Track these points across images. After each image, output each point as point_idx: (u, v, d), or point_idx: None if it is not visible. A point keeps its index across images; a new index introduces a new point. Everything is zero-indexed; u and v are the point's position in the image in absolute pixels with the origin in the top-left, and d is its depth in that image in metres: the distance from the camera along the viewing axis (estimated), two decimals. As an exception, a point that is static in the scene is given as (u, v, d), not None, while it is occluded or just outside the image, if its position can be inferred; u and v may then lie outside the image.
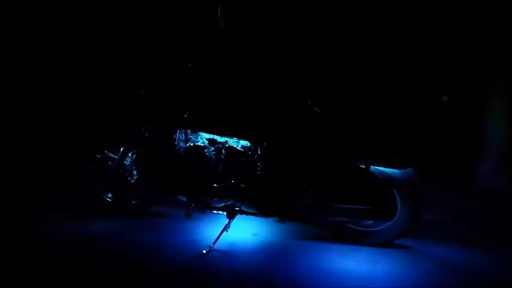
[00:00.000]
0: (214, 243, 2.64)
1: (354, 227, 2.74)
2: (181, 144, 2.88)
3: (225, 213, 2.80)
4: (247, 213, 2.80)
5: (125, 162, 3.05)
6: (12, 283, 2.23)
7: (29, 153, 3.89)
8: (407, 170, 2.58)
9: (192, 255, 2.56)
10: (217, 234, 2.68)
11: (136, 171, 3.08)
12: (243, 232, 2.88)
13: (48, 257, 2.51)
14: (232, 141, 2.79)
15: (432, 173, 2.59)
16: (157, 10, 4.09)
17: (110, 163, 3.08)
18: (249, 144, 2.76)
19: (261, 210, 2.76)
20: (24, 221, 2.99)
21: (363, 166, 2.56)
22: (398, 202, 2.60)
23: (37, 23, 4.08)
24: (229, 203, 2.78)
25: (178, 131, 2.87)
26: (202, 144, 2.82)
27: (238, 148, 2.76)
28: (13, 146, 3.89)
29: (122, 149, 3.03)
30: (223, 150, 2.77)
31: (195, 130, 2.88)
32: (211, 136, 2.82)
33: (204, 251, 2.58)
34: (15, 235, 2.80)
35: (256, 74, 3.27)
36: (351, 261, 2.54)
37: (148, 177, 3.06)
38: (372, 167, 2.57)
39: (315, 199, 2.66)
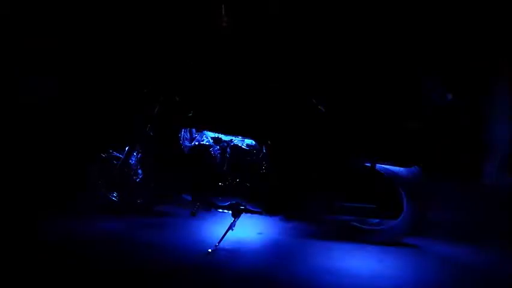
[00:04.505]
0: (219, 242, 2.64)
1: (360, 225, 2.73)
2: (187, 143, 2.89)
3: (230, 212, 2.80)
4: (252, 212, 2.80)
5: (130, 161, 3.06)
6: (16, 282, 2.23)
7: (34, 153, 3.91)
8: (413, 168, 2.56)
9: (198, 254, 2.56)
10: (223, 233, 2.68)
11: (142, 171, 3.09)
12: (248, 231, 2.87)
13: (52, 257, 2.51)
14: (237, 140, 2.78)
15: (438, 171, 2.56)
16: (161, 9, 4.10)
17: (115, 162, 3.08)
18: (254, 142, 2.76)
19: (266, 208, 2.76)
20: (27, 221, 3.01)
21: (369, 164, 2.55)
22: (405, 200, 2.58)
23: (40, 21, 4.09)
24: (234, 201, 2.78)
25: (183, 130, 2.88)
26: (207, 143, 2.82)
27: (243, 147, 2.75)
28: (18, 145, 3.91)
29: (127, 148, 3.04)
30: (228, 149, 2.77)
31: (200, 129, 2.88)
32: (216, 135, 2.82)
33: (210, 250, 2.58)
34: (18, 235, 2.81)
35: (261, 73, 3.27)
36: (357, 260, 2.53)
37: (154, 176, 3.07)
38: (378, 165, 2.56)
39: (320, 197, 2.65)
